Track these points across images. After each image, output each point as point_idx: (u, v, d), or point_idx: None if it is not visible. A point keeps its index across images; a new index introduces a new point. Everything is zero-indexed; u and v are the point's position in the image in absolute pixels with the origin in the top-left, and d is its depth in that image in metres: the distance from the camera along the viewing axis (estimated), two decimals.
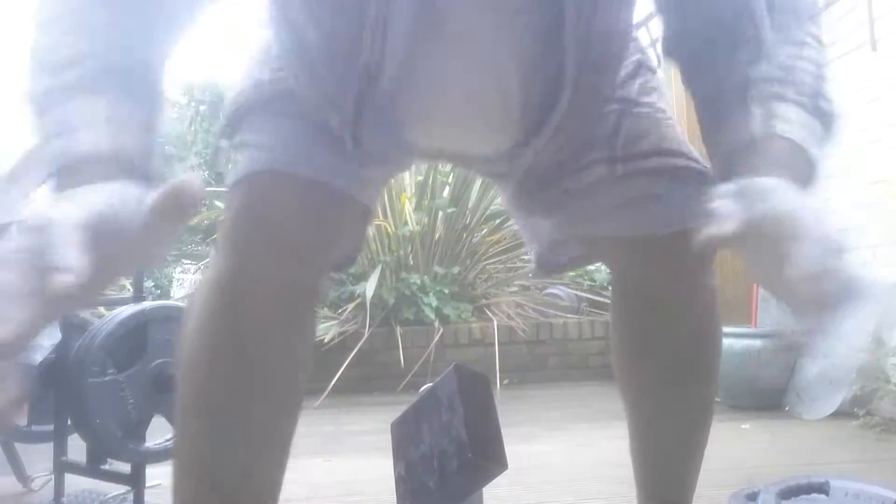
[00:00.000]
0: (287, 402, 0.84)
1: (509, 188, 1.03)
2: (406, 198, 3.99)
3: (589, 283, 4.39)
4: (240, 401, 0.79)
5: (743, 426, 2.57)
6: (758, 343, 2.87)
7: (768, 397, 2.87)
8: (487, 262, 4.19)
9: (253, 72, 0.89)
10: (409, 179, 4.10)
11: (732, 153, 0.71)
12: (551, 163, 0.94)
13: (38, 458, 1.87)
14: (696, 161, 0.95)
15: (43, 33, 0.67)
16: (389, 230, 3.92)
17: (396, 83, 0.78)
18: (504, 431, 1.65)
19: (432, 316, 3.67)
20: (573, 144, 0.92)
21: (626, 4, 0.82)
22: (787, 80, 0.72)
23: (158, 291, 8.63)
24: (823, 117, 0.71)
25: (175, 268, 9.00)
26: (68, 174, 0.59)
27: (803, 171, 0.66)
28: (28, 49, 0.66)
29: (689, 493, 1.05)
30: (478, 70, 0.79)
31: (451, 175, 4.01)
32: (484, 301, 3.92)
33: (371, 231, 3.95)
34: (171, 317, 1.58)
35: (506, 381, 3.48)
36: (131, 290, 1.63)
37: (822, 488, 1.38)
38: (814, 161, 0.68)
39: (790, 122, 0.69)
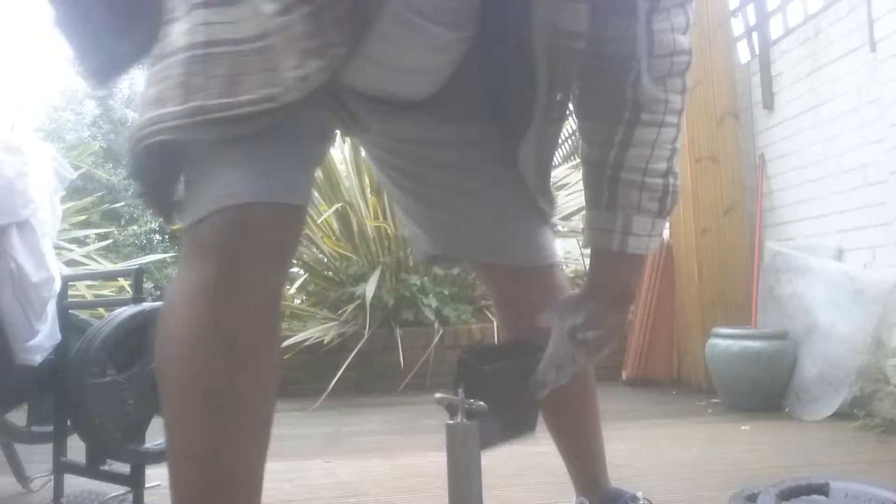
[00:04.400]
0: (269, 392, 0.91)
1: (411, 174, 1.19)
2: None
3: None
4: (233, 390, 0.86)
5: (742, 427, 2.57)
6: (757, 344, 2.87)
7: (768, 399, 2.87)
8: None
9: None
10: None
11: (595, 254, 1.07)
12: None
13: (38, 459, 1.87)
14: (551, 203, 1.19)
15: None
16: (389, 232, 3.92)
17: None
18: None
19: (432, 317, 3.67)
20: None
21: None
22: (644, 185, 1.00)
23: (158, 293, 8.64)
24: (666, 212, 1.02)
25: (174, 269, 9.03)
26: None
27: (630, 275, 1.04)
28: None
29: (601, 454, 1.32)
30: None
31: None
32: (483, 302, 3.91)
33: (371, 233, 3.96)
34: None
35: None
36: (131, 291, 1.63)
37: (822, 489, 1.38)
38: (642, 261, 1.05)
39: (640, 237, 1.01)
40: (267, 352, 0.89)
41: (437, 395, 1.23)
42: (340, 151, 4.25)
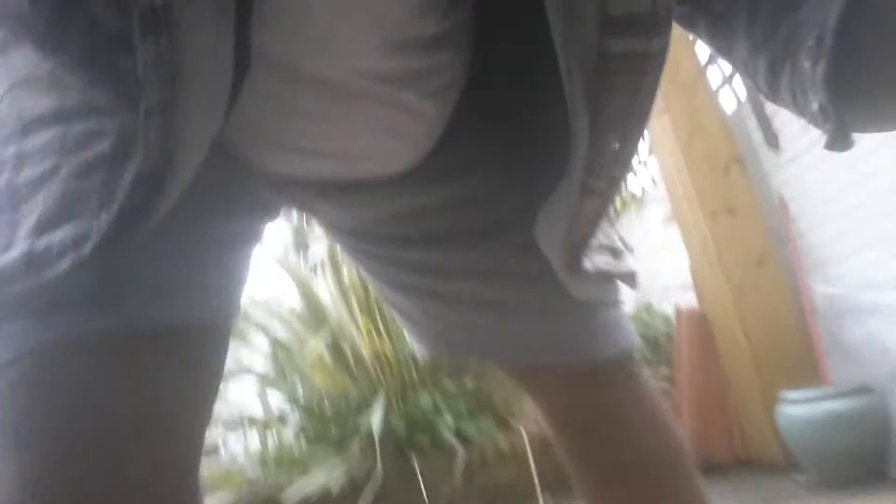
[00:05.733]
0: None
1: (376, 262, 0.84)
2: None
3: None
4: None
5: None
6: (838, 404, 2.45)
7: (866, 466, 2.42)
8: None
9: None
10: None
11: None
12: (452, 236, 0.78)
13: None
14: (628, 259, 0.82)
15: None
16: (389, 354, 3.52)
17: None
18: None
19: (451, 437, 3.21)
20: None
21: None
22: None
23: None
24: None
25: None
26: None
27: None
28: None
29: None
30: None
31: None
32: (506, 410, 3.46)
33: (369, 357, 3.55)
34: None
35: (549, 498, 3.01)
36: None
37: None
38: None
39: None
40: None
41: None
42: (322, 279, 3.91)
